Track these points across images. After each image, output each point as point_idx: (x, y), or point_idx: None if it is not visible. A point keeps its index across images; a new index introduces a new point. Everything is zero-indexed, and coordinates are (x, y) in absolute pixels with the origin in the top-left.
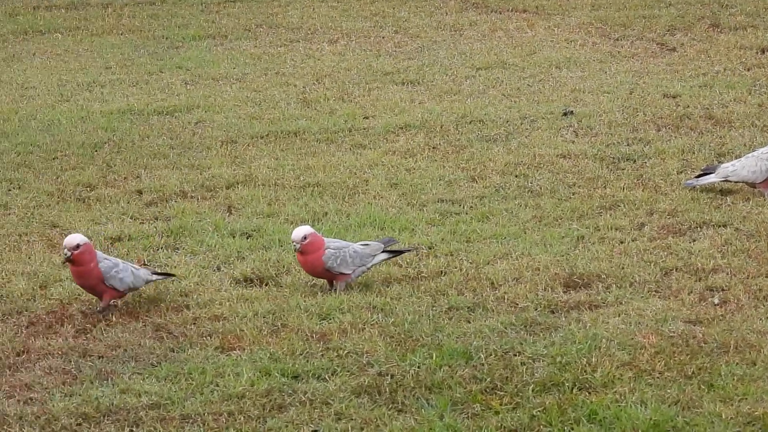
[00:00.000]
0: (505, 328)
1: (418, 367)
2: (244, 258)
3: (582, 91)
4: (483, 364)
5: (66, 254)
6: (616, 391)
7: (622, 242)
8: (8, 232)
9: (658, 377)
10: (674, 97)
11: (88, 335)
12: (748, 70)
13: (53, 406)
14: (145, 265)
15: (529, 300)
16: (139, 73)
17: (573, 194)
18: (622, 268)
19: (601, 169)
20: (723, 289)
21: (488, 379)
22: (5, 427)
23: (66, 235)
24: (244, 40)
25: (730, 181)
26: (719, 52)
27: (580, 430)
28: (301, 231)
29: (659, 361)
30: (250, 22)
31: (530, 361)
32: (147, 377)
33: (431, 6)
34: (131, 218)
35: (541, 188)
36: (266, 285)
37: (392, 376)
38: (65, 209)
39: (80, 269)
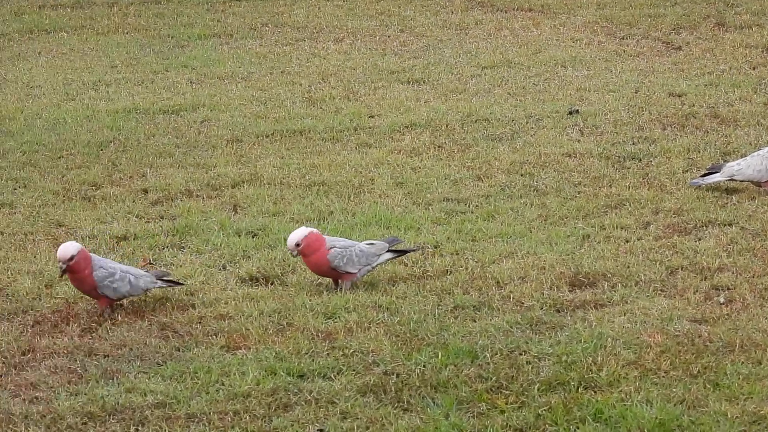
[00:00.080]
0: (511, 327)
1: (424, 366)
2: (249, 257)
3: (587, 90)
4: (488, 363)
5: (61, 267)
6: (621, 390)
7: (627, 241)
8: (14, 230)
9: (663, 376)
10: (680, 96)
11: (94, 334)
12: (754, 68)
13: (59, 405)
14: (151, 265)
15: (535, 299)
16: (145, 72)
17: (578, 193)
18: (628, 267)
19: (607, 168)
20: (728, 288)
21: (494, 378)
22: (11, 426)
23: (70, 233)
24: (250, 39)
25: (736, 180)
26: (725, 51)
27: (586, 429)
28: (293, 238)
29: (665, 360)
30: (256, 21)
31: (536, 360)
32: (152, 376)
33: (437, 5)
34: (137, 217)
35: (546, 187)
36: (272, 284)
37: (398, 375)
38: (71, 208)
39: (75, 276)
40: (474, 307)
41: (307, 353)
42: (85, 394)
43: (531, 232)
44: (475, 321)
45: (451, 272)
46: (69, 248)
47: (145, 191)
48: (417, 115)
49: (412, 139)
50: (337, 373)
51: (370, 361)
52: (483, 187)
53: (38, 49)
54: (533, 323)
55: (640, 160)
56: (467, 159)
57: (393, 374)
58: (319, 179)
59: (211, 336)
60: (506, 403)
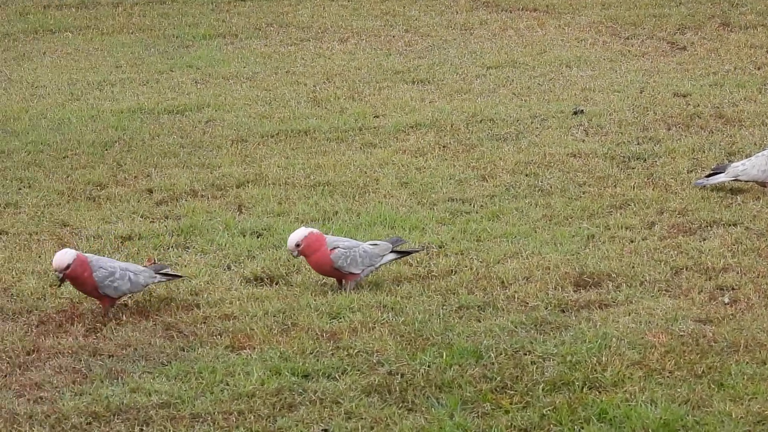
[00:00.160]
0: (516, 327)
1: (429, 366)
2: (254, 257)
3: (592, 90)
4: (493, 363)
5: (58, 276)
6: (626, 390)
7: (632, 241)
8: (19, 230)
9: (668, 376)
10: (684, 96)
11: (99, 334)
12: (759, 69)
13: (63, 405)
14: (154, 263)
15: (540, 299)
16: (150, 72)
17: (583, 193)
18: (633, 267)
19: (612, 168)
20: (733, 288)
21: (498, 378)
22: (16, 425)
23: (74, 233)
24: (255, 39)
25: (741, 180)
26: (729, 51)
27: (590, 429)
28: (293, 239)
29: (669, 361)
30: (261, 21)
31: (540, 360)
32: (157, 376)
33: (442, 5)
34: (141, 217)
35: (551, 187)
36: (276, 284)
37: (402, 375)
38: (75, 208)
39: (75, 281)
40: (479, 307)
41: (311, 353)
42: (90, 394)
43: (536, 232)
44: (479, 321)
45: (455, 272)
46: (64, 257)
47: (150, 191)
48: (422, 115)
49: (416, 139)
50: (342, 373)
51: (374, 361)
52: (488, 187)
53: (43, 49)
54: (538, 323)
55: (645, 160)
56: (472, 159)
57: (397, 374)
58: (323, 179)
59: (215, 336)
60: (511, 403)
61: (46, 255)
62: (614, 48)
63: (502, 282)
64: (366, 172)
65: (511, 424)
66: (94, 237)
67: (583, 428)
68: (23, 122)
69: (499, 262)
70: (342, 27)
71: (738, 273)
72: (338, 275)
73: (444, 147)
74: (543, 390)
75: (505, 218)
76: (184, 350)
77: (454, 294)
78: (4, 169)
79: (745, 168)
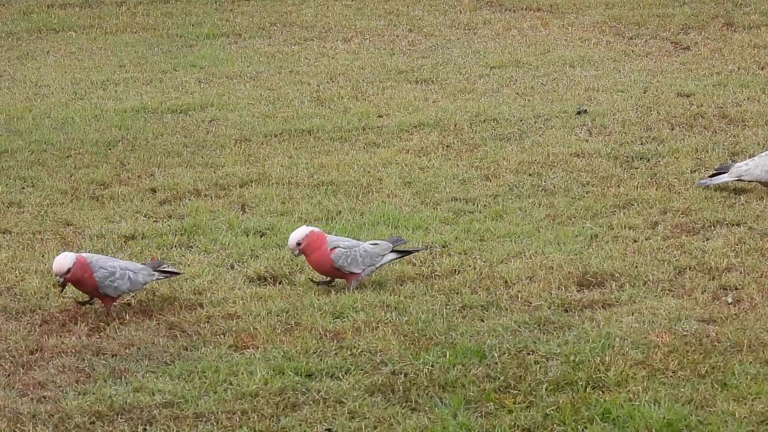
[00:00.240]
0: (519, 326)
1: (432, 366)
2: (257, 256)
3: (596, 90)
4: (496, 363)
5: (59, 281)
6: (629, 390)
7: (635, 241)
8: (22, 230)
9: (671, 376)
10: (688, 96)
11: (102, 333)
12: (762, 69)
13: (67, 404)
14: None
15: (543, 299)
16: (153, 72)
17: (587, 193)
18: (636, 266)
19: (615, 167)
20: (736, 288)
21: (502, 378)
22: (19, 425)
23: (78, 232)
24: (258, 39)
25: (744, 180)
26: (733, 51)
27: (594, 429)
28: (294, 237)
29: (673, 360)
30: (264, 21)
31: (544, 359)
32: (160, 376)
33: (445, 4)
34: (145, 216)
35: (554, 187)
36: (280, 283)
37: (406, 375)
38: (79, 207)
39: (76, 283)
40: (482, 306)
41: (315, 353)
42: (93, 394)
43: (539, 231)
44: (483, 321)
45: (459, 272)
46: (64, 262)
47: (154, 190)
48: (425, 115)
49: (420, 138)
50: (345, 373)
51: (378, 360)
52: (491, 186)
53: (46, 49)
54: (541, 323)
55: (649, 160)
56: (475, 159)
57: (401, 374)
58: (327, 179)
59: (219, 335)
60: (514, 403)
61: (50, 254)
62: (618, 48)
63: (506, 282)
64: (369, 172)
65: (515, 423)
66: (97, 236)
67: (586, 428)
68: (27, 121)
69: (502, 262)
70: (345, 26)
71: (741, 273)
72: (337, 274)
73: (447, 147)
74: (546, 390)
75: (508, 218)
76: (187, 350)
77: (457, 294)
78: (7, 169)
79: (748, 168)
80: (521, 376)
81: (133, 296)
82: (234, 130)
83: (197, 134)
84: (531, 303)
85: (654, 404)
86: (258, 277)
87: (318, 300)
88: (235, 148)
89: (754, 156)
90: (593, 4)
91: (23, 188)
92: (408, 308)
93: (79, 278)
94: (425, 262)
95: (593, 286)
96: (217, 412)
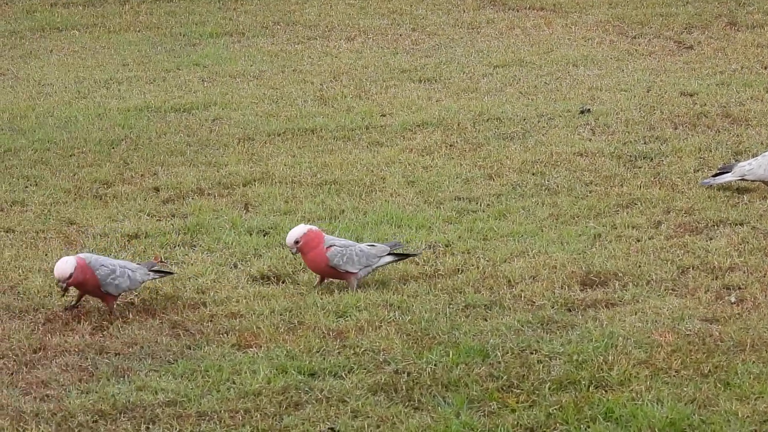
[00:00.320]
0: (522, 326)
1: (435, 365)
2: (260, 255)
3: (599, 89)
4: (500, 362)
5: (61, 286)
6: (632, 390)
7: (638, 240)
8: (25, 229)
9: (674, 375)
10: (691, 96)
11: (105, 332)
12: (766, 68)
13: (70, 403)
14: (162, 262)
15: (546, 298)
16: (156, 70)
17: (590, 192)
18: (639, 266)
19: (618, 167)
20: (740, 288)
21: (505, 377)
22: (22, 423)
23: (81, 231)
24: (262, 38)
25: (747, 180)
26: (736, 51)
27: (597, 429)
28: (292, 236)
29: (676, 360)
30: (268, 20)
31: (547, 359)
32: (163, 374)
33: (449, 3)
34: (148, 215)
35: (558, 186)
36: (283, 282)
37: (409, 374)
38: (82, 206)
39: (79, 285)
40: (485, 306)
41: (318, 352)
42: (96, 392)
43: (542, 231)
44: (486, 320)
45: (462, 271)
46: (66, 267)
47: (157, 189)
48: (428, 114)
49: (423, 137)
50: (348, 372)
51: (381, 359)
52: (494, 186)
53: (50, 47)
54: (544, 322)
55: (652, 159)
56: (479, 158)
57: (404, 373)
58: (330, 178)
59: (222, 334)
60: (517, 402)
61: (53, 253)
62: (621, 47)
63: (509, 281)
64: (372, 171)
65: (518, 422)
66: (100, 235)
67: (589, 427)
68: (30, 120)
69: (505, 261)
70: (349, 25)
71: (744, 272)
72: (333, 274)
73: (451, 146)
74: (549, 389)
75: (511, 217)
76: (190, 348)
77: (460, 293)
78: (10, 167)
79: (751, 167)
80: (524, 375)
81: (136, 295)
82: (237, 129)
83: (200, 133)
84: (534, 302)
85: (657, 403)
86: (261, 276)
87: (321, 299)
88: (239, 147)
89: (757, 155)
90: (596, 3)
91: (26, 187)
92: (411, 307)
93: (81, 281)
94: (428, 262)
95: (596, 285)
96: (220, 411)
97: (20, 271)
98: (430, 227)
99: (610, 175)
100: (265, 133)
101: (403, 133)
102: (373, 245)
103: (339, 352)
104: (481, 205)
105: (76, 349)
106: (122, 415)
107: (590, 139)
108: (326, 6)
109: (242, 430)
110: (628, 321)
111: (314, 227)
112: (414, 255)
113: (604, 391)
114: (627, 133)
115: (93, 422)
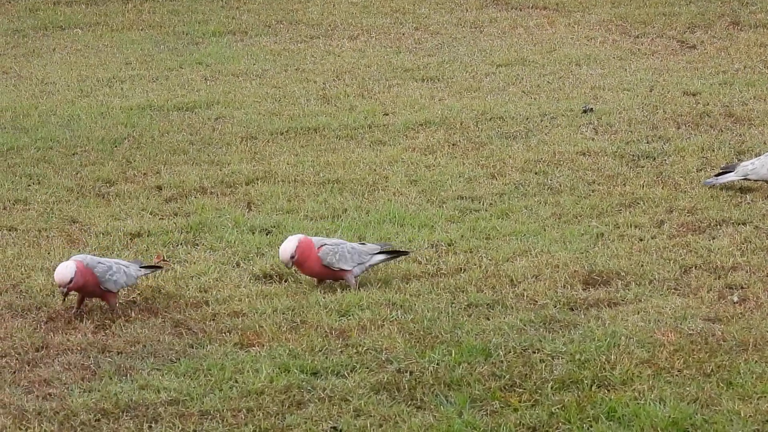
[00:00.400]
0: (524, 325)
1: (437, 364)
2: (263, 254)
3: (602, 89)
4: (502, 361)
5: (62, 291)
6: (635, 389)
7: (641, 240)
8: (28, 227)
9: (677, 375)
10: (694, 95)
11: (107, 331)
12: None
13: (72, 401)
14: (165, 261)
15: (549, 297)
16: (159, 69)
17: (592, 191)
18: (642, 265)
19: (621, 166)
20: (742, 287)
21: (507, 376)
22: (24, 422)
23: (84, 230)
24: (264, 36)
25: (750, 180)
26: (739, 50)
27: (599, 428)
28: (287, 251)
29: (678, 359)
30: (270, 18)
31: (549, 358)
32: (166, 373)
33: (451, 2)
34: (150, 214)
35: (560, 185)
36: (285, 281)
37: (411, 373)
38: (85, 205)
39: (80, 288)
40: (487, 305)
41: (320, 351)
42: (99, 391)
43: (545, 230)
44: (488, 319)
45: (464, 270)
46: (66, 272)
47: (159, 188)
48: (431, 113)
49: (426, 136)
50: (351, 371)
51: (383, 358)
52: (497, 185)
53: (53, 46)
54: (547, 321)
55: (655, 158)
56: (481, 157)
57: (406, 372)
58: (333, 177)
59: (224, 333)
60: (519, 401)
61: (56, 252)
62: (624, 46)
63: (511, 280)
64: (375, 170)
65: (520, 422)
66: (103, 234)
67: (591, 426)
68: (33, 119)
69: (508, 260)
70: (352, 24)
71: (747, 272)
72: (329, 274)
73: (453, 145)
74: (552, 388)
75: (514, 216)
76: (193, 347)
77: (463, 292)
78: (13, 166)
79: (754, 167)
80: (527, 374)
81: (139, 293)
82: (240, 127)
83: (203, 132)
84: (537, 301)
85: (659, 403)
86: (264, 274)
87: (324, 298)
88: (241, 145)
89: (760, 155)
90: (599, 2)
91: (29, 185)
92: (413, 306)
93: (82, 284)
94: (431, 261)
95: (599, 284)
96: (223, 410)
97: (23, 269)
98: (432, 226)
99: (613, 175)
100: (268, 131)
101: (406, 132)
102: (363, 243)
103: (341, 351)
104: (483, 204)
105: (79, 348)
106: (125, 413)
107: (593, 139)
108: (329, 5)
109: (245, 429)
110: (631, 320)
111: (301, 236)
112: (406, 253)
113: (606, 391)
114: (630, 133)
115: (95, 421)
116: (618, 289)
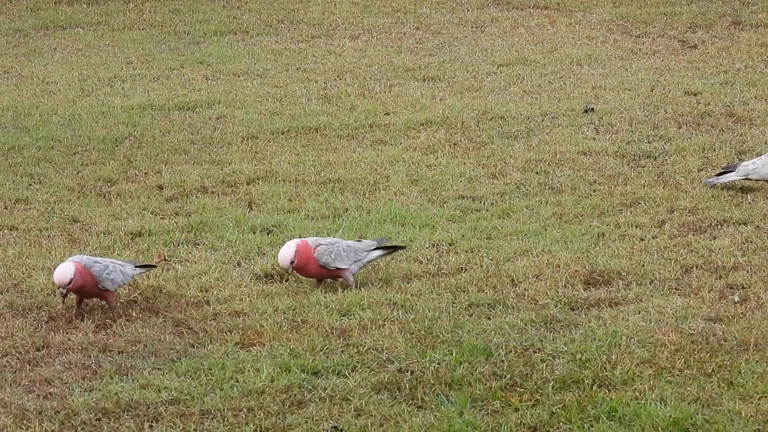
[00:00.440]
0: (525, 325)
1: (438, 364)
2: (264, 254)
3: (603, 89)
4: (503, 361)
5: (62, 292)
6: (635, 389)
7: (642, 240)
8: (29, 227)
9: (677, 375)
10: (695, 95)
11: (108, 330)
12: None
13: (73, 401)
14: (166, 260)
15: (549, 297)
16: (160, 69)
17: (593, 191)
18: (643, 265)
19: (622, 166)
20: (743, 287)
21: (508, 376)
22: (25, 421)
23: (85, 229)
24: (266, 36)
25: (751, 179)
26: (740, 50)
27: (600, 428)
28: (286, 257)
29: (679, 359)
30: (272, 18)
31: (550, 358)
32: (167, 373)
33: (453, 2)
34: (152, 213)
35: (561, 185)
36: (286, 281)
37: (412, 373)
38: (86, 204)
39: (79, 289)
40: (488, 304)
41: (321, 350)
42: (99, 390)
43: (546, 230)
44: (489, 319)
45: (465, 270)
46: (66, 273)
47: (160, 188)
48: (432, 113)
49: (427, 136)
50: (352, 371)
51: (384, 358)
52: (498, 184)
53: (54, 45)
54: (548, 321)
55: (656, 158)
56: (482, 157)
57: (407, 371)
58: (334, 176)
59: (225, 333)
60: (520, 401)
61: (57, 251)
62: (625, 46)
63: (512, 280)
64: (376, 170)
65: (521, 421)
66: (104, 233)
67: (592, 426)
68: (34, 118)
69: (509, 260)
70: (353, 24)
71: (748, 272)
72: (327, 273)
73: (454, 145)
74: (553, 388)
75: (515, 216)
76: (193, 347)
77: (464, 292)
78: (14, 165)
79: (755, 167)
80: (527, 374)
81: (140, 293)
82: (241, 127)
83: (204, 131)
84: (537, 301)
85: (660, 403)
86: (265, 274)
87: (324, 298)
88: (242, 145)
89: (761, 155)
90: (600, 2)
91: (30, 185)
92: (414, 306)
93: (81, 285)
94: (432, 260)
95: (600, 284)
96: (224, 410)
97: (24, 269)
98: (433, 226)
99: (614, 174)
100: (269, 131)
101: (407, 131)
102: (359, 240)
103: (342, 351)
104: (484, 204)
105: (80, 347)
106: (125, 413)
107: (594, 138)
108: (330, 4)
109: (245, 429)
110: (632, 320)
111: (297, 240)
112: (402, 248)
113: (607, 390)
114: (631, 133)
115: (96, 420)
116: (619, 288)
